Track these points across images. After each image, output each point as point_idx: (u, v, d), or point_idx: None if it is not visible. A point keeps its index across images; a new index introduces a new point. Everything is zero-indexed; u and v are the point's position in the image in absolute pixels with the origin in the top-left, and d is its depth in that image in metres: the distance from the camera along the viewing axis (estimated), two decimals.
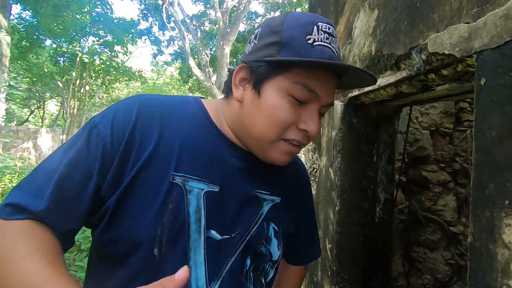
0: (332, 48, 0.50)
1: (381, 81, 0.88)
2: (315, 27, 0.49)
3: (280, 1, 10.19)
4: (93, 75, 10.68)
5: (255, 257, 0.58)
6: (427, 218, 1.70)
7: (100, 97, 14.43)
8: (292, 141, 0.52)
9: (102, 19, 9.95)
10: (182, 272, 0.39)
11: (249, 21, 11.38)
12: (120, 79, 11.19)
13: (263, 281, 0.61)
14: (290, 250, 0.72)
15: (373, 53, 0.89)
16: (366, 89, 0.99)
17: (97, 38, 10.30)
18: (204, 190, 0.52)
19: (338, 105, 1.18)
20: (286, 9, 10.47)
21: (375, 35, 0.88)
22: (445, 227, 1.71)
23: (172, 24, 10.42)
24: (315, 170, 1.57)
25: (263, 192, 0.59)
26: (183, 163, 0.52)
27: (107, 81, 11.07)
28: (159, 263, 0.48)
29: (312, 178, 1.64)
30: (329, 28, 0.50)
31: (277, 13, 10.91)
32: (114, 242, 0.49)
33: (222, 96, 0.62)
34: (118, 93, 15.90)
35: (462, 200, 1.74)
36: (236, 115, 0.56)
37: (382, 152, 1.23)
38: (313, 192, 1.55)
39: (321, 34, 0.49)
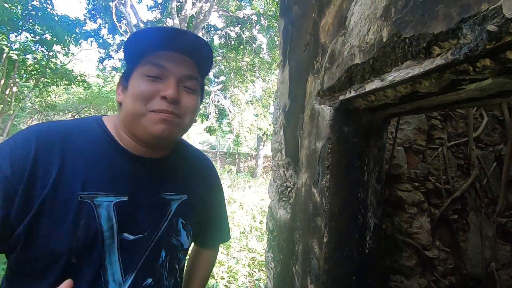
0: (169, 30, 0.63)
1: (394, 76, 0.68)
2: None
3: (241, 17, 10.25)
4: (24, 75, 9.26)
5: (169, 249, 0.69)
6: (404, 242, 1.56)
7: (32, 101, 12.62)
8: (158, 110, 0.61)
9: (39, 13, 8.79)
10: (67, 284, 0.54)
11: (208, 33, 11.19)
12: (58, 83, 9.86)
13: (177, 267, 0.73)
14: (203, 236, 0.86)
15: (384, 39, 0.68)
16: (368, 88, 0.79)
17: (32, 35, 9.04)
18: (113, 202, 0.60)
19: (326, 110, 0.96)
20: (246, 25, 10.58)
21: (388, 17, 0.68)
22: (421, 251, 1.59)
23: (124, 28, 9.70)
24: (289, 189, 1.32)
25: (168, 193, 0.70)
26: (89, 182, 0.59)
27: (41, 84, 9.67)
28: (77, 268, 0.57)
29: (284, 199, 1.38)
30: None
31: (237, 29, 10.96)
32: (33, 260, 0.54)
33: None
34: (56, 98, 14.12)
35: (436, 221, 1.65)
36: (123, 116, 0.65)
37: (372, 169, 1.04)
38: (287, 216, 1.30)
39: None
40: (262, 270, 2.97)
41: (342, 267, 0.91)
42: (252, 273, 2.90)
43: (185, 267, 0.81)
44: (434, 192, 1.67)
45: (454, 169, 1.72)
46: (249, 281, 2.78)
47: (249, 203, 6.04)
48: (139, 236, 0.63)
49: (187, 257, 0.82)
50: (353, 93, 0.85)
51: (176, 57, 0.64)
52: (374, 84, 0.76)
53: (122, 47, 0.68)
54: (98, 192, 0.59)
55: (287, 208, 1.32)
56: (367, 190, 1.02)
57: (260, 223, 4.94)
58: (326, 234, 0.90)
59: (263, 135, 13.80)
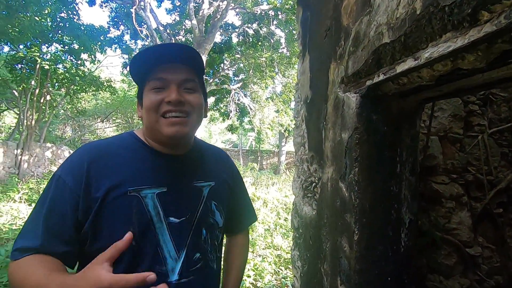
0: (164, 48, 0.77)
1: (431, 52, 0.60)
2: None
3: (258, 13, 10.17)
4: (56, 84, 9.81)
5: (208, 227, 0.82)
6: (442, 239, 1.44)
7: (65, 108, 13.37)
8: (165, 113, 0.74)
9: (67, 24, 9.26)
10: (127, 235, 0.64)
11: (226, 32, 11.23)
12: (87, 89, 10.36)
13: (216, 243, 0.86)
14: (232, 222, 0.96)
15: (418, 12, 0.60)
16: (399, 69, 0.71)
17: (62, 45, 9.55)
18: (156, 193, 0.75)
19: (352, 98, 0.89)
20: (264, 21, 10.48)
21: None
22: (462, 249, 1.46)
23: (145, 32, 9.97)
24: (314, 185, 1.26)
25: (199, 182, 0.84)
26: (134, 180, 0.74)
27: (72, 91, 10.20)
28: (137, 249, 0.70)
29: (309, 195, 1.32)
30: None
31: (255, 25, 10.89)
32: (101, 250, 0.62)
33: None
34: (85, 104, 14.87)
35: (477, 216, 1.51)
36: (145, 127, 0.81)
37: (405, 160, 0.95)
38: (312, 212, 1.23)
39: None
40: (289, 268, 2.92)
41: (376, 267, 0.84)
42: (279, 271, 2.86)
43: (222, 254, 0.95)
44: (475, 184, 1.53)
45: (497, 158, 1.56)
46: (275, 279, 2.74)
47: (273, 200, 5.99)
48: (182, 218, 0.76)
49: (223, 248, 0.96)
50: (381, 77, 0.78)
51: (175, 67, 0.76)
52: (407, 64, 0.68)
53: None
54: (142, 186, 0.73)
55: (313, 205, 1.26)
56: (400, 183, 0.93)
57: (285, 220, 4.87)
58: (356, 232, 0.83)
59: (284, 131, 13.67)
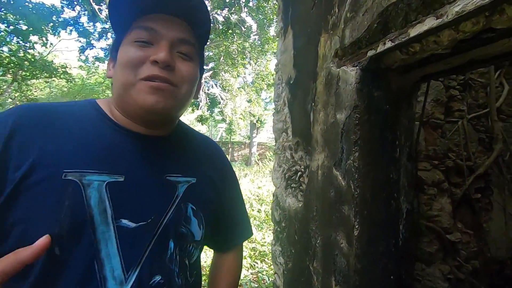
0: None
1: (464, 5, 0.48)
2: None
3: None
4: (0, 69, 8.70)
5: (178, 239, 0.58)
6: (425, 227, 1.41)
7: (13, 97, 12.00)
8: (149, 77, 0.53)
9: (11, 1, 8.19)
10: (42, 239, 0.43)
11: None
12: (38, 75, 9.33)
13: (187, 263, 0.60)
14: (220, 235, 0.72)
15: None
16: (413, 33, 0.59)
17: (5, 25, 8.45)
18: (106, 182, 0.51)
19: (350, 72, 0.77)
20: (234, 8, 10.12)
21: None
22: (442, 235, 1.44)
23: (105, 13, 9.13)
24: (299, 174, 1.14)
25: (174, 175, 0.60)
26: (77, 161, 0.50)
27: (20, 77, 9.12)
28: (63, 261, 0.47)
29: (293, 185, 1.20)
30: None
31: (225, 12, 10.52)
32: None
33: None
34: (37, 92, 13.47)
35: (457, 202, 1.50)
36: (114, 93, 0.58)
37: (404, 144, 0.86)
38: (298, 205, 1.12)
39: None
40: (265, 261, 2.84)
41: (378, 265, 0.74)
42: (254, 265, 2.77)
43: (198, 278, 0.67)
44: (455, 170, 1.52)
45: (475, 144, 1.57)
46: (251, 273, 2.64)
47: (246, 192, 5.88)
48: (141, 223, 0.53)
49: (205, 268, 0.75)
50: (389, 44, 0.66)
51: (168, 19, 0.57)
52: (425, 24, 0.56)
53: (108, 13, 0.58)
54: (87, 170, 0.50)
55: (298, 196, 1.14)
56: (399, 170, 0.84)
57: (258, 211, 4.80)
58: (357, 226, 0.72)
59: (256, 121, 13.57)
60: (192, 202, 0.61)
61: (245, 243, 3.33)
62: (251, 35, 11.06)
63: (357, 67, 0.75)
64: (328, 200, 0.86)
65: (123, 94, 0.55)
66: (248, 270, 2.66)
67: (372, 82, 0.74)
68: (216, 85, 11.98)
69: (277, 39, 1.48)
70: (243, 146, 20.31)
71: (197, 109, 12.40)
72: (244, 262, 2.78)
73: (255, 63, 11.30)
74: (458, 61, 0.68)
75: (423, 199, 1.45)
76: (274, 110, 1.47)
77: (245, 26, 10.53)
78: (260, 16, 10.64)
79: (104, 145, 0.54)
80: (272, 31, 11.09)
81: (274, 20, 10.82)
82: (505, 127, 1.60)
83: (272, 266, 2.69)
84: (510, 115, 1.61)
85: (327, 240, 0.86)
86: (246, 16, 10.68)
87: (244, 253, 3.00)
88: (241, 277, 2.54)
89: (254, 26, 11.05)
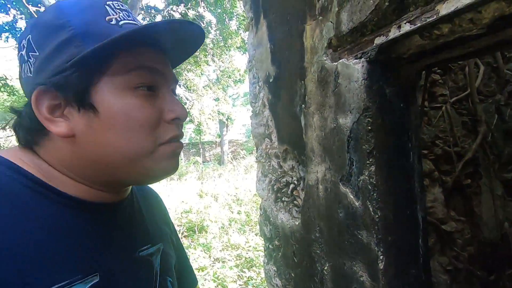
0: (138, 25, 0.41)
1: None
2: (107, 7, 0.40)
3: None
4: None
5: None
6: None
7: None
8: (171, 139, 0.43)
9: None
10: None
11: (148, 15, 10.04)
12: None
13: None
14: None
15: None
16: (444, 11, 0.45)
17: None
18: None
19: (354, 65, 0.61)
20: (191, 3, 9.65)
21: None
22: (439, 227, 1.39)
23: None
24: (292, 186, 0.98)
25: (145, 248, 0.49)
26: (30, 273, 0.33)
27: None
28: None
29: (285, 199, 1.04)
30: (122, 5, 0.42)
31: (181, 8, 10.03)
32: None
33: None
34: None
35: (449, 190, 1.45)
36: (71, 158, 0.40)
37: (414, 144, 0.73)
38: (294, 222, 0.96)
39: (120, 13, 0.40)
40: (252, 269, 2.69)
41: None
42: (242, 275, 2.61)
43: None
44: (443, 158, 1.47)
45: (460, 128, 1.53)
46: (239, 285, 2.48)
47: (223, 193, 5.68)
48: None
49: None
50: (406, 28, 0.51)
51: (160, 55, 0.45)
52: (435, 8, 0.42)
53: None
54: (53, 286, 0.35)
55: (292, 212, 0.99)
56: (412, 176, 0.72)
57: (238, 213, 4.63)
58: (381, 257, 0.58)
59: (226, 119, 13.28)
60: (168, 274, 0.53)
61: (228, 251, 3.15)
62: (212, 30, 10.68)
63: (363, 59, 0.60)
64: (336, 221, 0.71)
65: (125, 165, 0.41)
66: (236, 282, 2.50)
67: (382, 76, 0.60)
68: (179, 85, 11.47)
69: (246, 32, 1.31)
70: (214, 145, 19.90)
71: None
72: (231, 272, 2.62)
73: (219, 59, 10.95)
74: (484, 43, 0.56)
75: None
76: (252, 113, 1.30)
77: (204, 22, 10.14)
78: (218, 10, 10.28)
79: (59, 235, 0.37)
80: (233, 24, 10.80)
81: (235, 14, 10.54)
82: (484, 108, 1.58)
83: (261, 274, 2.55)
84: (488, 95, 1.60)
85: (340, 269, 0.71)
86: (204, 11, 10.27)
87: (230, 263, 2.82)
88: None
89: (214, 21, 10.69)
